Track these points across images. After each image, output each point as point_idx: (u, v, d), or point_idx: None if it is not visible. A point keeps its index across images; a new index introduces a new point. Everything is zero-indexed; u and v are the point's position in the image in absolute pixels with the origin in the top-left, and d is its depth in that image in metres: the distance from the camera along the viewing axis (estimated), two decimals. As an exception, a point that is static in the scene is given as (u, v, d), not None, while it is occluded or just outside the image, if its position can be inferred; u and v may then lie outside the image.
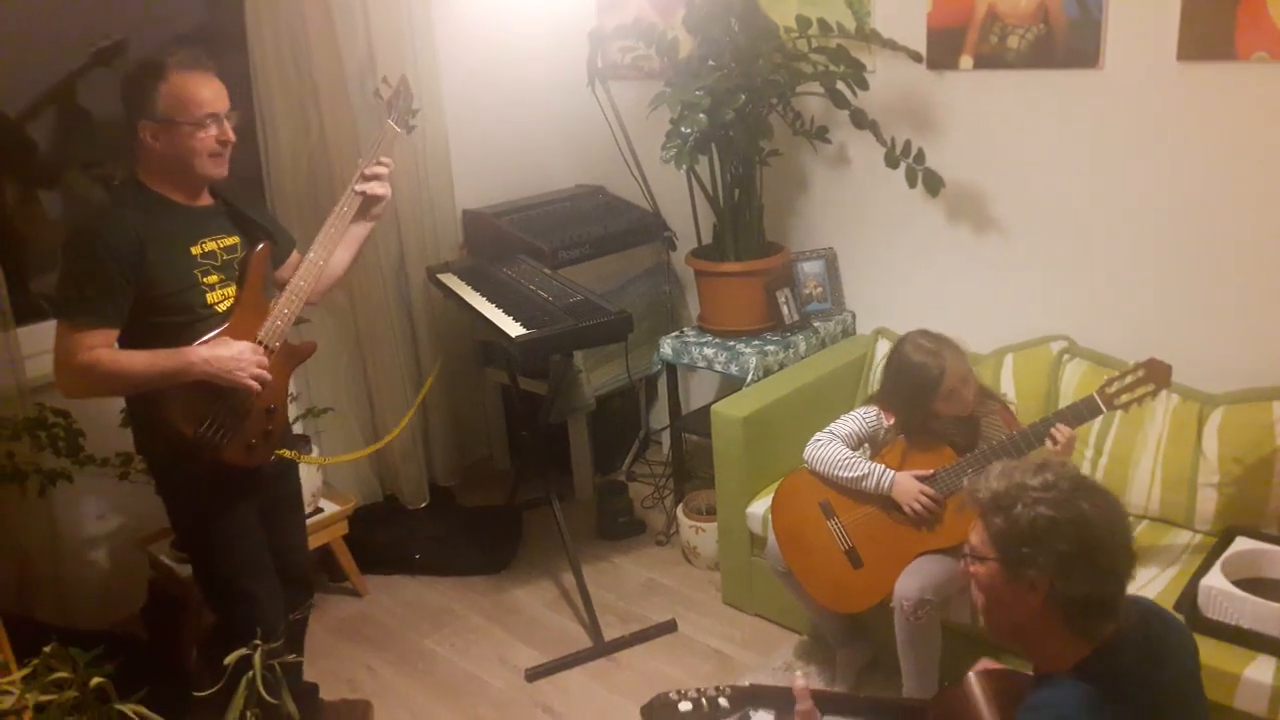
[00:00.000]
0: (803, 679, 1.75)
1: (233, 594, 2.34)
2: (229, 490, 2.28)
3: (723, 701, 1.72)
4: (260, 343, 2.20)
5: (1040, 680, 1.57)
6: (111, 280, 2.05)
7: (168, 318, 2.13)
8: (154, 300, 2.11)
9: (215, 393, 2.14)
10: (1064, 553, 1.45)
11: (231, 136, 2.18)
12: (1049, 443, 2.33)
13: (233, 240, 2.26)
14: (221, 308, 2.21)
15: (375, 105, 2.65)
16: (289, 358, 2.34)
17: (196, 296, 2.18)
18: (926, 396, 2.47)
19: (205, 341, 2.13)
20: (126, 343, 2.10)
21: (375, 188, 2.40)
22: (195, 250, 2.18)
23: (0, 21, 2.85)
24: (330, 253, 2.33)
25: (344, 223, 2.36)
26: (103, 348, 2.05)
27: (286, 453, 2.45)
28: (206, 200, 2.25)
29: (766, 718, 1.90)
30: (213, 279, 2.20)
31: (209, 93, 2.12)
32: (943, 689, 1.76)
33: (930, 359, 2.46)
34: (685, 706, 1.70)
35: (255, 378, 2.15)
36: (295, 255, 2.47)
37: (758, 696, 1.76)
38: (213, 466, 2.17)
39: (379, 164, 2.40)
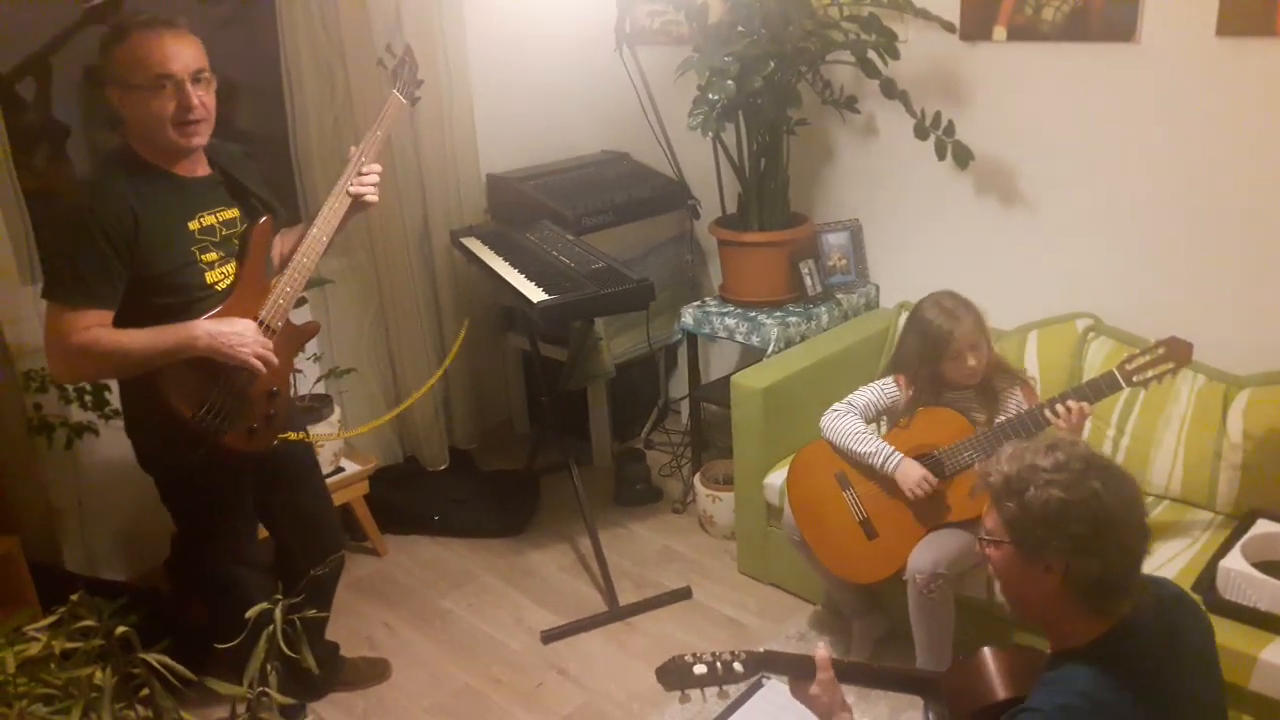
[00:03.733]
0: (825, 649, 1.76)
1: (218, 580, 2.33)
2: (220, 480, 2.23)
3: (737, 666, 1.73)
4: (262, 322, 2.11)
5: (1057, 657, 1.57)
6: (106, 259, 1.94)
7: (164, 298, 2.04)
8: (149, 280, 2.02)
9: (214, 373, 2.05)
10: (1077, 534, 1.45)
11: (193, 103, 1.98)
12: (1052, 417, 2.31)
13: (232, 214, 2.16)
14: (221, 286, 2.12)
15: (380, 74, 2.53)
16: (292, 338, 2.25)
17: (194, 275, 2.08)
18: (934, 355, 2.47)
19: (209, 317, 2.05)
20: (121, 326, 2.00)
21: (370, 194, 2.29)
22: (193, 225, 2.08)
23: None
24: (333, 229, 2.25)
25: (343, 204, 2.26)
26: (99, 327, 1.96)
27: (292, 435, 2.37)
28: (204, 170, 2.14)
29: (780, 684, 1.90)
30: (211, 256, 2.11)
31: (168, 52, 1.95)
32: (956, 661, 1.77)
33: (944, 318, 2.46)
34: (700, 669, 1.72)
35: (260, 358, 2.06)
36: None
37: (772, 662, 1.77)
38: (208, 455, 2.08)
39: (371, 168, 2.30)
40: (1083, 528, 1.45)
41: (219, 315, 2.06)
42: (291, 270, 2.17)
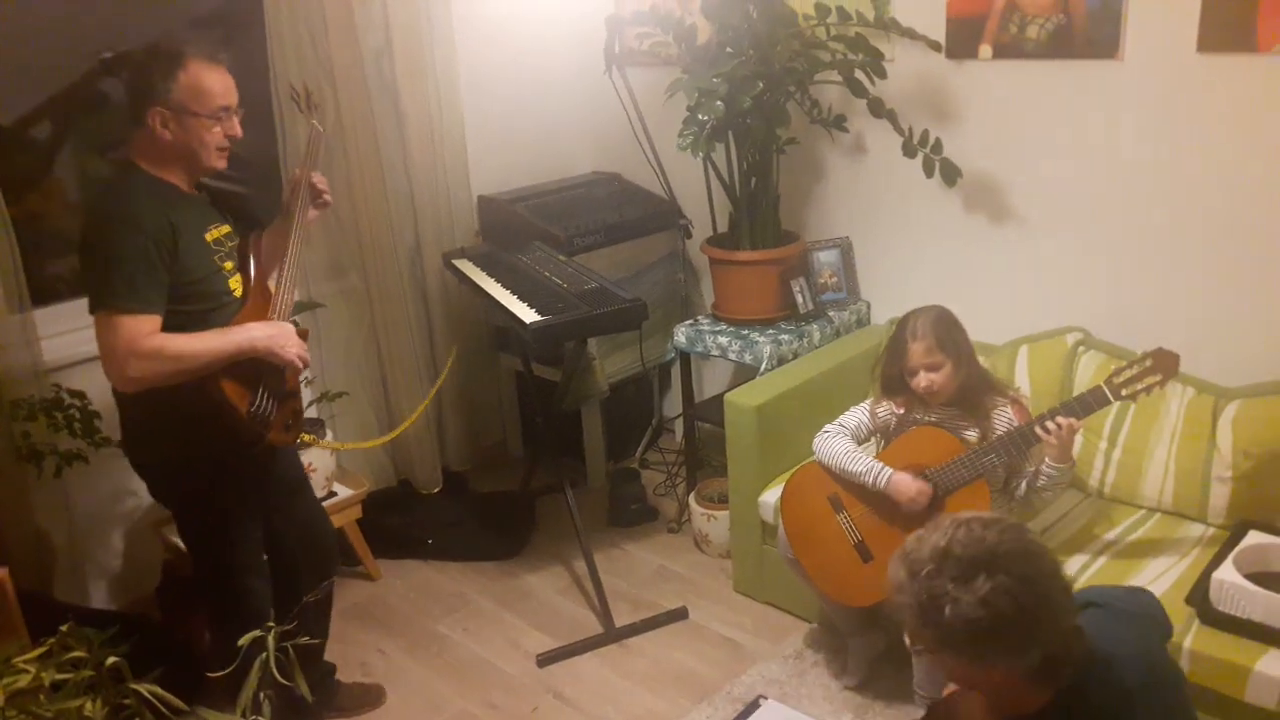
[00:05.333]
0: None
1: (232, 590, 2.37)
2: (230, 489, 2.29)
3: None
4: None
5: None
6: (155, 267, 2.05)
7: (192, 305, 2.15)
8: (184, 287, 2.12)
9: (257, 374, 2.19)
10: (1010, 641, 1.42)
11: (239, 133, 2.18)
12: (1043, 434, 2.32)
13: (227, 229, 2.30)
14: (237, 294, 2.26)
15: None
16: None
17: (220, 283, 2.22)
18: (894, 361, 2.53)
19: (238, 321, 2.19)
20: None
21: (324, 198, 2.43)
22: (208, 237, 2.21)
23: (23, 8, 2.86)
24: (304, 239, 2.39)
25: (305, 212, 2.38)
26: (160, 334, 2.06)
27: (306, 436, 2.48)
28: (193, 190, 2.26)
29: (776, 704, 1.88)
30: (228, 265, 2.25)
31: (228, 85, 2.13)
32: (932, 707, 1.75)
33: (905, 332, 2.50)
34: None
35: (300, 357, 2.22)
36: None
37: None
38: (253, 455, 2.19)
39: (319, 180, 2.43)
40: (1013, 633, 1.41)
41: (242, 320, 2.20)
42: (284, 279, 2.32)
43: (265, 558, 2.49)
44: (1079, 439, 2.42)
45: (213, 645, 2.44)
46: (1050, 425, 2.32)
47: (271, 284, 2.33)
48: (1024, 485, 2.46)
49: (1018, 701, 1.51)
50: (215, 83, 2.10)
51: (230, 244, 2.28)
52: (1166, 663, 1.64)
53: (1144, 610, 1.69)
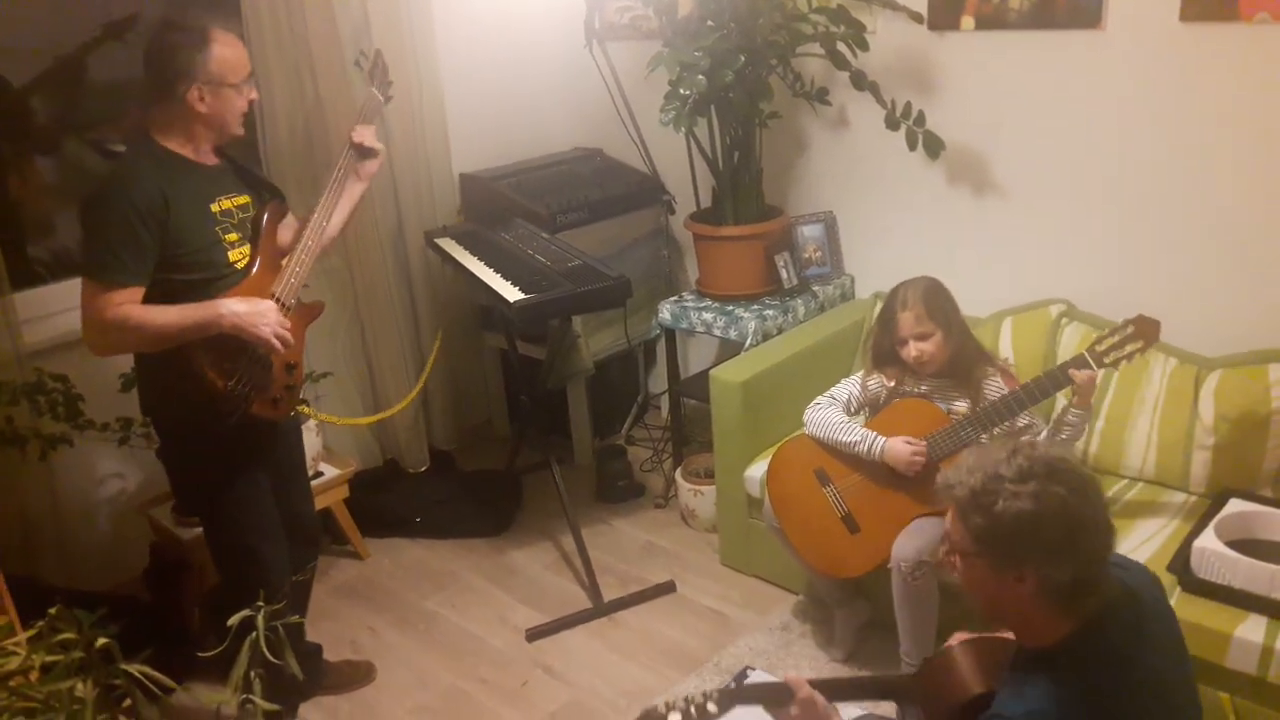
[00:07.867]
0: (794, 672, 1.75)
1: (242, 554, 2.37)
2: (243, 452, 2.31)
3: (711, 707, 1.70)
4: (277, 299, 2.24)
5: (1025, 655, 1.57)
6: (139, 238, 2.07)
7: (191, 275, 2.17)
8: (178, 258, 2.14)
9: (240, 347, 2.18)
10: (1050, 544, 1.46)
11: (257, 96, 2.27)
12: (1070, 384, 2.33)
13: (245, 199, 2.31)
14: (240, 265, 2.27)
15: (358, 75, 2.77)
16: (302, 315, 2.38)
17: (219, 254, 2.22)
18: (884, 332, 2.55)
19: (231, 295, 2.18)
20: (149, 300, 2.12)
21: (369, 139, 2.46)
22: (215, 208, 2.23)
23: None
24: (331, 213, 2.40)
25: (341, 184, 2.43)
26: (130, 304, 2.07)
27: (305, 408, 2.47)
28: (213, 160, 2.28)
29: (765, 675, 1.89)
30: (232, 237, 2.26)
31: (244, 54, 2.20)
32: (927, 661, 1.77)
33: (895, 303, 2.51)
34: (675, 717, 1.69)
35: (278, 337, 2.19)
36: (290, 216, 2.50)
37: (746, 695, 1.76)
38: (233, 426, 2.19)
39: (367, 126, 2.48)
40: (1055, 536, 1.45)
41: (238, 293, 2.19)
42: (299, 251, 2.32)
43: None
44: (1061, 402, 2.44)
45: (212, 615, 2.44)
46: (1073, 373, 2.33)
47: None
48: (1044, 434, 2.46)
49: (1037, 626, 1.53)
50: (238, 53, 2.17)
51: (242, 215, 2.29)
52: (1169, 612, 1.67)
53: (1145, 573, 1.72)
